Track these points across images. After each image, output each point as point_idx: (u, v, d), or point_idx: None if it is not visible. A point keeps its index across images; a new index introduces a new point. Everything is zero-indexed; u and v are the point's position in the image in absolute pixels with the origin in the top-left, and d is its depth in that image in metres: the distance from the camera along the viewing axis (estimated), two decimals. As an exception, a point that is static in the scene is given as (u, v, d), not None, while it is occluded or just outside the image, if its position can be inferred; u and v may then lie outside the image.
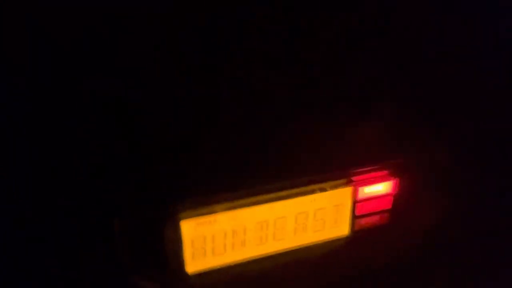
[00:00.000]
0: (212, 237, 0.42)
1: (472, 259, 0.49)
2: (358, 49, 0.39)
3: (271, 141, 0.40)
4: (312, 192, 0.43)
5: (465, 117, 0.44)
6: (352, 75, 0.41)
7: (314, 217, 0.44)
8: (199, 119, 0.37)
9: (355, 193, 0.44)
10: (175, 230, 0.40)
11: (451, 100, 0.44)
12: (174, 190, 0.39)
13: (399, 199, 0.46)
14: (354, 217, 0.46)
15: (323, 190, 0.43)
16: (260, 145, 0.40)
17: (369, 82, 0.42)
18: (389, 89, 0.42)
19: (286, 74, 0.38)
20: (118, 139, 0.35)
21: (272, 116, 0.39)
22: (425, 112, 0.44)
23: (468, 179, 0.46)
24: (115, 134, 0.35)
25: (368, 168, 0.44)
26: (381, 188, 0.45)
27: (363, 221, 0.46)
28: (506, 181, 0.48)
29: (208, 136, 0.38)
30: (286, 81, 0.38)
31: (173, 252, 0.41)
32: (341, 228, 0.46)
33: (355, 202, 0.45)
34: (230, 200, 0.40)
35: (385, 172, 0.45)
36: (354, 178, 0.44)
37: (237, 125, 0.39)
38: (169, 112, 0.36)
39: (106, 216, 0.37)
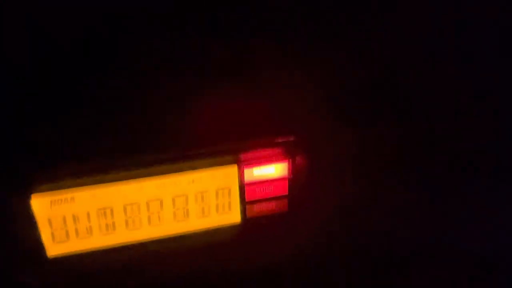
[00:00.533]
0: (73, 217, 0.37)
1: (379, 254, 0.43)
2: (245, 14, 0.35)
3: (143, 107, 0.35)
4: (190, 169, 0.38)
5: (368, 97, 0.39)
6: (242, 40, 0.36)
7: (195, 201, 0.40)
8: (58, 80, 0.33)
9: (241, 174, 0.39)
10: (25, 207, 0.35)
11: (354, 76, 0.39)
12: (24, 161, 0.35)
13: (296, 184, 0.41)
14: (245, 203, 0.41)
15: (201, 167, 0.38)
16: (130, 111, 0.35)
17: (265, 49, 0.37)
18: (286, 59, 0.38)
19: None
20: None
21: (147, 76, 0.34)
22: (326, 87, 0.39)
23: (371, 164, 0.41)
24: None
25: (257, 145, 0.39)
26: (273, 170, 0.40)
27: (257, 208, 0.41)
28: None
29: (66, 100, 0.34)
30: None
31: (29, 233, 0.37)
32: (232, 215, 0.41)
33: (243, 185, 0.40)
34: (90, 174, 0.36)
35: (277, 151, 0.40)
36: (240, 157, 0.39)
37: (107, 86, 0.34)
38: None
39: None
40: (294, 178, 0.41)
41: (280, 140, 0.39)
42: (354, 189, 0.41)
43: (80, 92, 0.34)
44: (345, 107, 0.40)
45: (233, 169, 0.39)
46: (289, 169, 0.40)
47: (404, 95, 0.40)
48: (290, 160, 0.40)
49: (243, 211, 0.41)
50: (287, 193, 0.41)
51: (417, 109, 0.41)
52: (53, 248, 0.38)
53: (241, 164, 0.39)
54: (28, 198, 0.35)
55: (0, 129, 0.33)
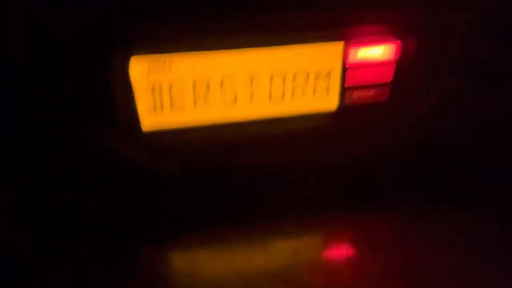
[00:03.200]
0: (169, 87, 0.36)
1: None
2: None
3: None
4: (293, 42, 0.35)
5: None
6: None
7: (293, 79, 0.37)
8: None
9: (346, 53, 0.36)
10: (124, 71, 0.34)
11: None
12: (126, 22, 0.33)
13: (403, 70, 0.37)
14: (344, 88, 0.38)
15: (305, 41, 0.35)
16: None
17: None
18: None
19: None
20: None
21: None
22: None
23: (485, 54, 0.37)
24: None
25: (364, 22, 0.35)
26: (379, 52, 0.37)
27: (356, 94, 0.38)
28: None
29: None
30: None
31: (124, 102, 0.36)
32: (328, 101, 0.39)
33: (345, 67, 0.37)
34: (189, 38, 0.34)
35: (387, 30, 0.36)
36: (345, 33, 0.36)
37: None
38: None
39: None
40: (401, 62, 0.37)
41: (392, 17, 0.36)
42: (460, 85, 0.38)
43: None
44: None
45: (338, 46, 0.36)
46: (397, 51, 0.37)
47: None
48: (401, 41, 0.36)
49: (341, 97, 0.38)
50: (391, 79, 0.38)
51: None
52: (148, 120, 0.37)
53: (348, 42, 0.36)
54: (127, 60, 0.34)
55: None
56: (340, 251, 0.37)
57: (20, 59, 0.32)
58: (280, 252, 0.37)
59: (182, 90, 0.36)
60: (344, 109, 0.39)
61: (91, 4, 0.30)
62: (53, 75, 0.33)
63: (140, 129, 0.37)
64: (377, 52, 0.37)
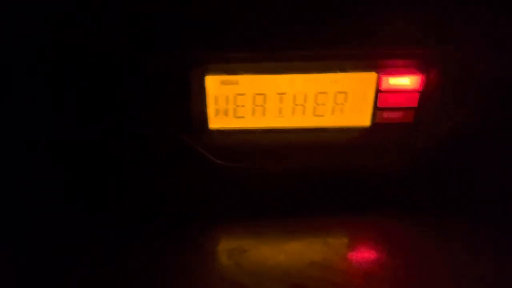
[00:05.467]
0: (234, 98, 0.46)
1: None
2: None
3: (301, 11, 0.42)
4: (335, 69, 0.44)
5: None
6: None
7: (334, 99, 0.46)
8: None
9: (379, 81, 0.45)
10: (200, 84, 0.45)
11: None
12: (203, 42, 0.43)
13: (426, 98, 0.45)
14: (376, 108, 0.46)
15: (345, 69, 0.44)
16: (290, 14, 0.42)
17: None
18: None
19: None
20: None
21: None
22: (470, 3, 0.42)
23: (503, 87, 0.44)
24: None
25: (396, 55, 0.44)
26: (407, 81, 0.45)
27: (386, 115, 0.47)
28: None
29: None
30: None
31: (198, 106, 0.46)
32: (363, 118, 0.47)
33: (378, 91, 0.45)
34: (252, 61, 0.44)
35: (413, 63, 0.44)
36: (379, 63, 0.44)
37: None
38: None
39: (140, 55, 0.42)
40: (425, 91, 0.45)
41: (418, 53, 0.44)
42: (479, 111, 0.45)
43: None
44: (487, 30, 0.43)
45: (372, 75, 0.45)
46: (422, 83, 0.45)
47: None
48: (425, 74, 0.44)
49: (373, 116, 0.47)
50: (416, 105, 0.46)
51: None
52: (215, 121, 0.47)
53: (380, 72, 0.45)
54: (204, 76, 0.44)
55: (186, 21, 0.42)
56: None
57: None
58: (315, 244, 0.45)
59: (244, 102, 0.46)
60: (375, 126, 0.47)
61: (178, 36, 0.41)
62: (149, 89, 0.44)
63: (208, 126, 0.47)
64: (405, 82, 0.45)
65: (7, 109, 0.43)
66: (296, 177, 0.49)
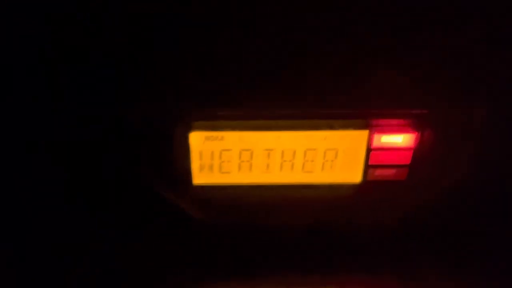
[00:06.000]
0: (219, 154, 0.43)
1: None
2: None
3: (289, 68, 0.40)
4: (324, 127, 0.42)
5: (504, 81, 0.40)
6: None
7: (324, 156, 0.44)
8: (218, 34, 0.39)
9: (370, 139, 0.43)
10: (184, 139, 0.42)
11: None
12: (187, 98, 0.41)
13: (420, 156, 0.43)
14: (368, 166, 0.44)
15: (335, 127, 0.42)
16: (278, 70, 0.40)
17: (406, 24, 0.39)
18: (427, 37, 0.40)
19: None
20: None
21: (295, 39, 0.39)
22: (462, 67, 0.40)
23: (499, 147, 0.42)
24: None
25: (388, 114, 0.42)
26: (400, 140, 0.43)
27: (378, 172, 0.45)
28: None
29: (226, 54, 0.40)
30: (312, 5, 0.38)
31: (182, 162, 0.44)
32: (353, 175, 0.45)
33: (369, 149, 0.43)
34: (238, 118, 0.42)
35: (406, 122, 0.42)
36: (371, 122, 0.42)
37: (258, 45, 0.39)
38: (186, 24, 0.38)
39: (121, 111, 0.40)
40: (418, 150, 0.43)
41: (412, 112, 0.42)
42: (474, 171, 0.43)
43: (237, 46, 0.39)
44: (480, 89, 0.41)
45: (364, 133, 0.43)
46: (416, 140, 0.43)
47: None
48: (419, 132, 0.43)
49: (365, 173, 0.45)
50: (409, 163, 0.44)
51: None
52: (199, 176, 0.45)
53: (372, 130, 0.43)
54: (188, 132, 0.42)
55: (171, 79, 0.40)
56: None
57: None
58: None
59: (229, 157, 0.44)
60: (366, 183, 0.45)
61: (163, 95, 0.39)
62: (132, 144, 0.42)
63: (191, 182, 0.45)
64: (398, 140, 0.43)
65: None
66: (284, 234, 0.47)
